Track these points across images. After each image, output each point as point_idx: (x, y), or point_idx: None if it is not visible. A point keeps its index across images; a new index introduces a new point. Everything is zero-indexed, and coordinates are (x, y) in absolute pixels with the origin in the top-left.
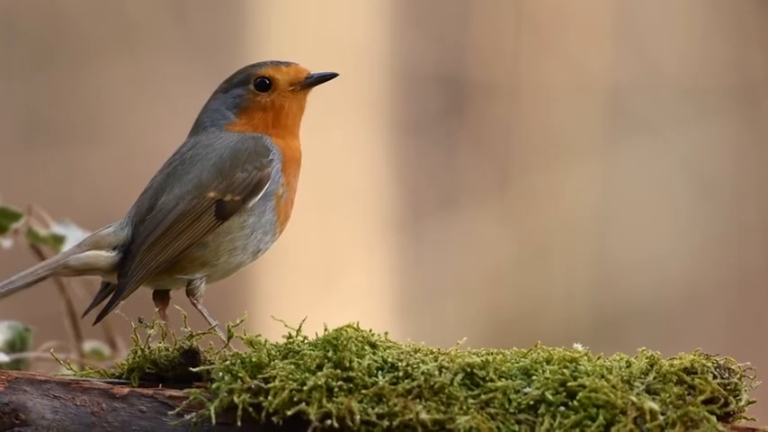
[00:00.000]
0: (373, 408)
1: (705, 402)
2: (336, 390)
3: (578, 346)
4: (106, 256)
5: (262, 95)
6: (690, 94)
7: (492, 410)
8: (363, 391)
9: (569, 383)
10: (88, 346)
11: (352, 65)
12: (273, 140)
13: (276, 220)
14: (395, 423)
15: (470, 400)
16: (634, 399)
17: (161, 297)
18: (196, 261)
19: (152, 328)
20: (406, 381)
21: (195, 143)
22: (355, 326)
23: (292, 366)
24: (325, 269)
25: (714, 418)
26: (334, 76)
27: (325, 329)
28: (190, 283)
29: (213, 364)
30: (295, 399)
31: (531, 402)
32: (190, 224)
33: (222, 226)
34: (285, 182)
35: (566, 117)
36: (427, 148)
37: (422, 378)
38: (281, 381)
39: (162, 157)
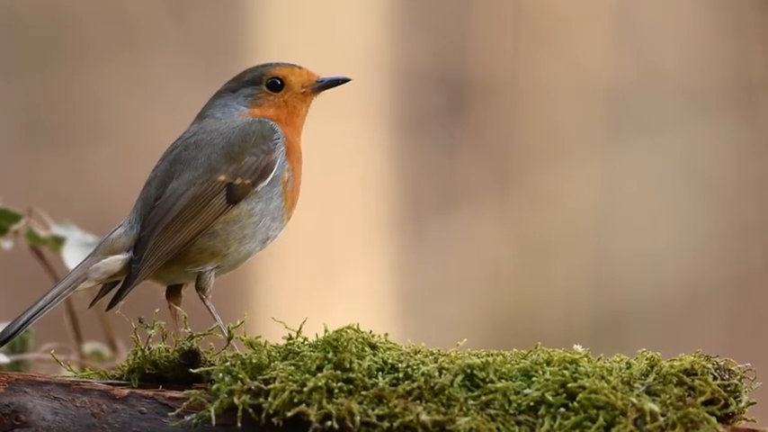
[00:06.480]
0: (373, 409)
1: (705, 403)
2: (336, 391)
3: (578, 348)
4: (123, 258)
5: (274, 95)
6: (690, 94)
7: (492, 412)
8: (363, 393)
9: (569, 385)
10: (88, 347)
11: (353, 64)
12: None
13: (284, 205)
14: (395, 424)
15: (470, 402)
16: (634, 400)
17: (173, 295)
18: (206, 251)
19: (152, 328)
20: (407, 382)
21: (198, 129)
22: (355, 327)
23: (292, 367)
24: (326, 269)
25: (714, 420)
26: (345, 81)
27: (326, 330)
28: (200, 276)
29: (213, 365)
30: (295, 400)
31: (531, 403)
32: (201, 208)
33: (231, 214)
34: (290, 167)
35: (566, 117)
36: (427, 147)
37: (422, 379)
38: (282, 382)
39: None
